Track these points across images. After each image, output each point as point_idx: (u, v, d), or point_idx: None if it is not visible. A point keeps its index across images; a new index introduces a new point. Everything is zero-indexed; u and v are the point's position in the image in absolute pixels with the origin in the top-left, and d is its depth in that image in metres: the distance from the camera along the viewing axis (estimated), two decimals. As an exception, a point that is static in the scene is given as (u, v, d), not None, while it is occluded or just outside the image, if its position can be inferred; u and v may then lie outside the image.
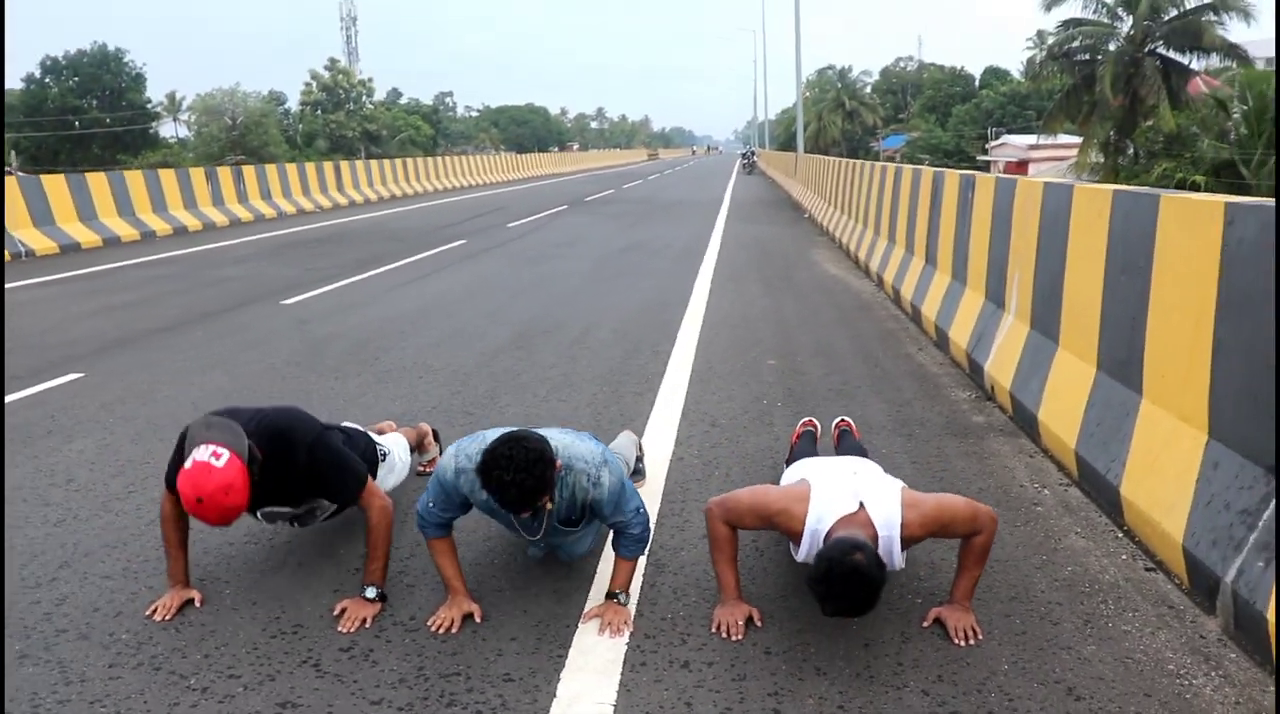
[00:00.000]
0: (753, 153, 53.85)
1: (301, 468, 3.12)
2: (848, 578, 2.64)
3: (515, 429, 2.91)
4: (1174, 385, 3.61)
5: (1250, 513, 2.97)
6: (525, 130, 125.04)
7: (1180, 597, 3.18)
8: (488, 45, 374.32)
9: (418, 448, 4.29)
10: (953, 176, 7.62)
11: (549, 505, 2.92)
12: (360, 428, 3.87)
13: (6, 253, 13.09)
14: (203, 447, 2.87)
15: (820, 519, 2.92)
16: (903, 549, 2.95)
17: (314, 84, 72.80)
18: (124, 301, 9.69)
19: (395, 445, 3.94)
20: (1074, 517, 3.86)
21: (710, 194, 29.21)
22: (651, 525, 3.22)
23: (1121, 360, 4.05)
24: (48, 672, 2.86)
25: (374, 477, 3.52)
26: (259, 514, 3.28)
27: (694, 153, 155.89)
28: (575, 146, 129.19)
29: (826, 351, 6.90)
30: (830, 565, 2.67)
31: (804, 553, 3.01)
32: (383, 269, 11.86)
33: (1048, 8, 35.16)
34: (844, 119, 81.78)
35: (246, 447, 2.92)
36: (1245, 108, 27.86)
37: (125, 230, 15.84)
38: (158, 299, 9.85)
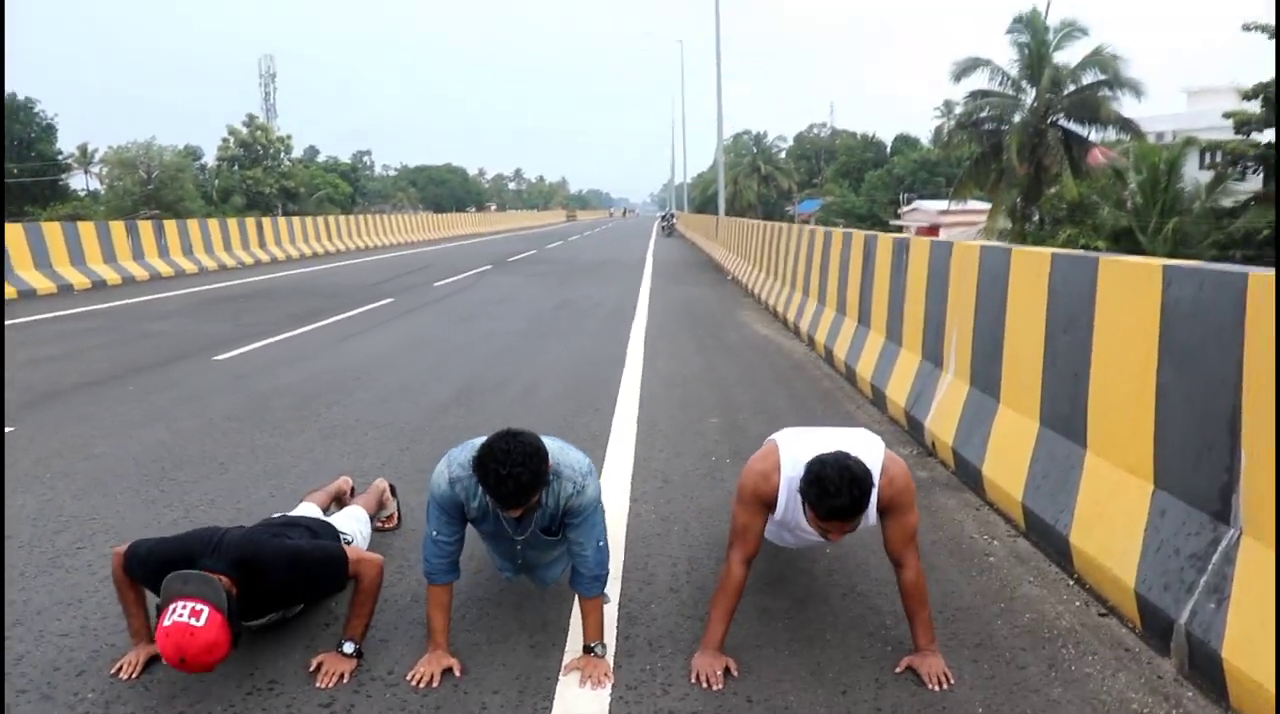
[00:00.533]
0: (671, 215, 54.56)
1: (279, 585, 3.09)
2: (841, 473, 2.80)
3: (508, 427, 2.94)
4: (1119, 437, 3.79)
5: (1199, 557, 3.13)
6: (443, 190, 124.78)
7: (1135, 640, 3.31)
8: (406, 107, 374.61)
9: (378, 508, 4.25)
10: (885, 240, 7.88)
11: (539, 505, 2.97)
12: (319, 517, 3.79)
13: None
14: (181, 603, 2.77)
15: (795, 465, 3.05)
16: (876, 502, 3.05)
17: (231, 139, 71.70)
18: (48, 355, 9.39)
19: (356, 523, 3.87)
20: (1025, 566, 4.00)
21: (633, 255, 29.51)
22: (610, 567, 3.25)
23: (1065, 415, 4.24)
24: (12, 735, 2.75)
25: None
26: (249, 626, 3.21)
27: (611, 214, 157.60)
28: (493, 207, 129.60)
29: (766, 410, 7.02)
30: (823, 465, 2.84)
31: (781, 508, 3.14)
32: (316, 325, 11.71)
33: (957, 78, 36.74)
34: (759, 183, 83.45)
35: (224, 597, 2.83)
36: (1140, 177, 29.40)
37: (41, 283, 15.36)
38: (83, 353, 9.57)
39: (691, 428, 6.43)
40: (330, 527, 3.65)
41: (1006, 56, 37.49)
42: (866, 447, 3.11)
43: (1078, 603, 3.63)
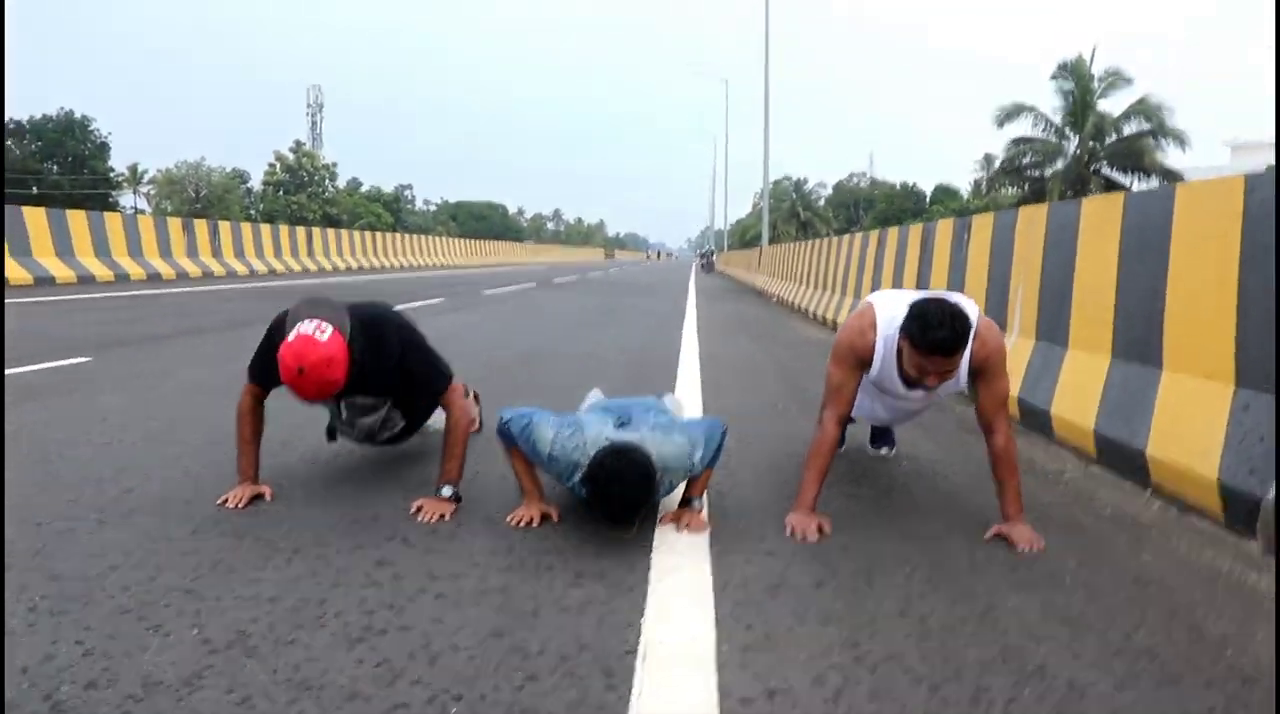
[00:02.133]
0: (712, 252, 54.86)
1: (394, 358, 3.20)
2: (943, 308, 2.96)
3: (618, 440, 3.00)
4: (1196, 349, 3.83)
5: (1288, 439, 3.17)
6: (483, 225, 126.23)
7: (1219, 530, 3.34)
8: (448, 143, 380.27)
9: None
10: (945, 223, 7.97)
11: None
12: None
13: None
14: (308, 321, 2.94)
15: (890, 323, 3.16)
16: (967, 362, 3.13)
17: (278, 165, 73.27)
18: (117, 318, 9.65)
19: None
20: (1100, 482, 4.03)
21: (676, 279, 29.82)
22: (720, 456, 3.30)
23: (1139, 339, 4.28)
24: (130, 535, 2.87)
25: None
26: (343, 403, 3.34)
27: (648, 256, 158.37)
28: (532, 243, 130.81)
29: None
30: (926, 301, 3.01)
31: (876, 364, 3.24)
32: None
33: (1000, 123, 36.93)
34: (798, 229, 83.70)
35: (349, 326, 3.00)
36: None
37: (100, 271, 15.73)
38: (151, 318, 9.82)
39: (754, 386, 6.51)
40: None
41: (1050, 103, 37.67)
42: (963, 302, 3.18)
43: (1157, 505, 3.65)
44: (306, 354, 2.86)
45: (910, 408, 3.68)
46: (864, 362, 3.27)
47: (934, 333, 2.90)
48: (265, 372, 3.19)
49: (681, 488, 3.26)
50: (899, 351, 3.18)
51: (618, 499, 2.85)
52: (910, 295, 3.27)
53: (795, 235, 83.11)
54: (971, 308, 3.20)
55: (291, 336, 2.91)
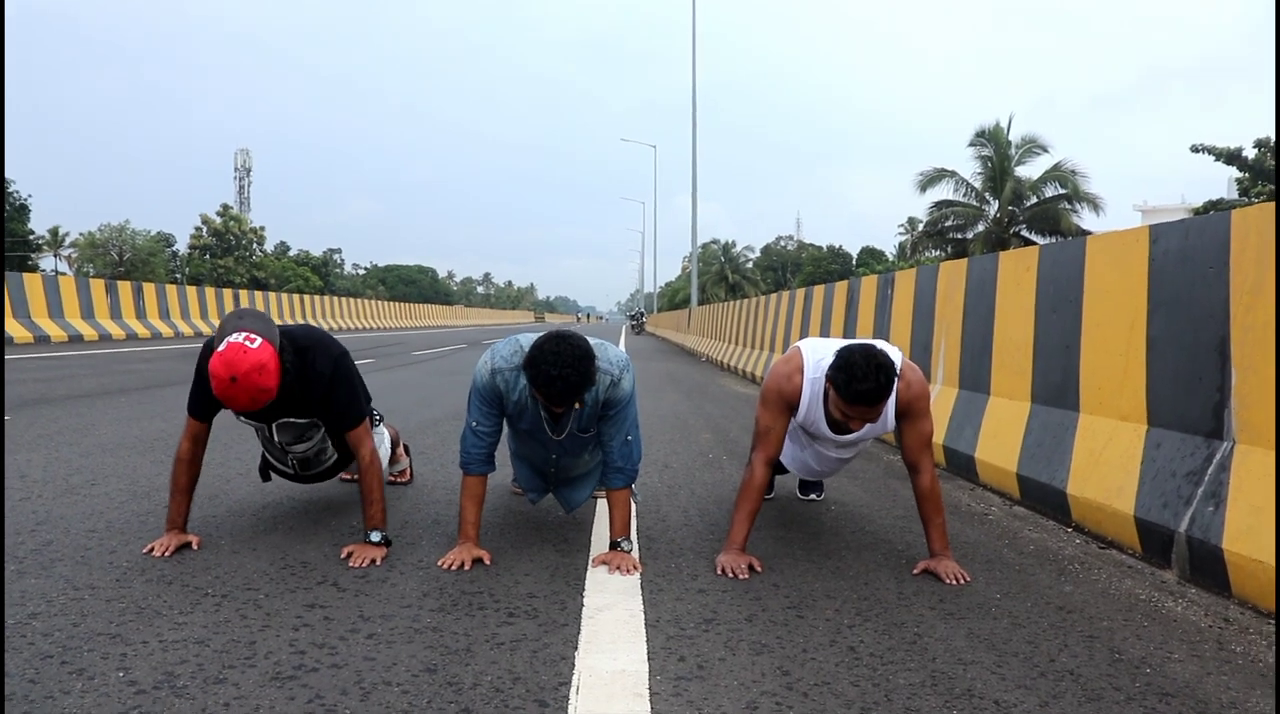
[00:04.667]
0: (642, 313, 55.15)
1: (324, 378, 3.19)
2: (868, 359, 2.96)
3: (557, 328, 3.06)
4: (1110, 392, 3.98)
5: (1195, 472, 3.30)
6: (412, 289, 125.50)
7: (1137, 561, 3.45)
8: (376, 211, 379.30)
9: (394, 447, 4.33)
10: (869, 279, 8.17)
11: (581, 404, 3.06)
12: None
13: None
14: (237, 332, 2.93)
15: (818, 367, 3.23)
16: (895, 410, 3.21)
17: (205, 228, 72.29)
18: (36, 378, 9.38)
19: (385, 431, 4.00)
20: (1024, 522, 4.13)
21: (608, 340, 29.74)
22: (639, 467, 3.38)
23: (1057, 386, 4.43)
24: (51, 583, 2.79)
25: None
26: (275, 426, 3.31)
27: (578, 319, 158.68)
28: (462, 306, 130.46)
29: (757, 431, 7.15)
30: (851, 352, 3.00)
31: (803, 408, 3.29)
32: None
33: (923, 188, 38.11)
34: (726, 292, 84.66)
35: (279, 339, 3.00)
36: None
37: (19, 332, 15.31)
38: (73, 379, 9.56)
39: (684, 437, 6.56)
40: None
41: (970, 169, 38.97)
42: (887, 349, 3.27)
43: (1079, 540, 3.76)
44: (237, 362, 2.83)
45: (840, 456, 3.74)
46: (791, 405, 3.34)
47: (859, 384, 2.97)
48: (202, 401, 3.16)
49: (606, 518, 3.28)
50: (825, 395, 3.26)
51: (558, 380, 2.85)
52: (836, 342, 3.35)
53: (724, 297, 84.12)
54: (895, 353, 3.29)
55: (221, 346, 2.89)
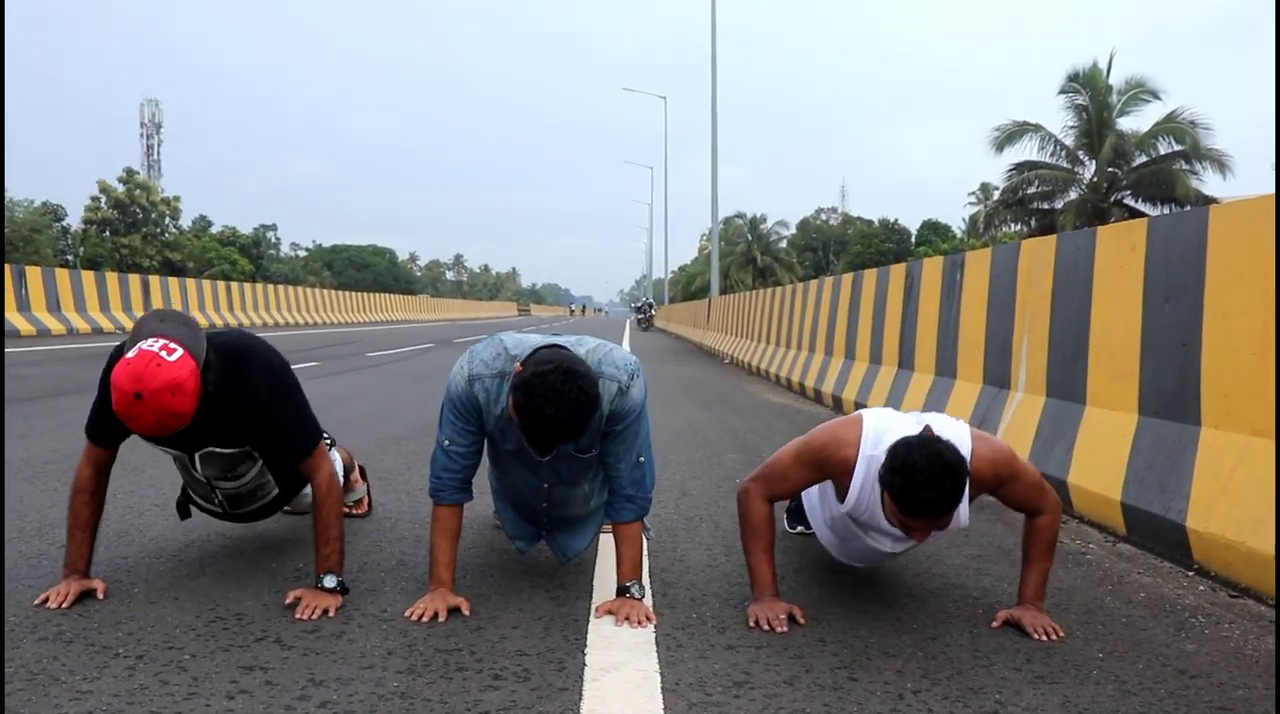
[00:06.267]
0: (649, 306, 55.18)
1: (257, 401, 3.20)
2: (931, 460, 2.81)
3: (557, 346, 3.10)
4: (1242, 401, 3.99)
5: (1349, 502, 3.30)
6: (365, 275, 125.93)
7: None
8: (320, 175, 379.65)
9: (349, 473, 4.36)
10: (932, 261, 8.19)
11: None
12: None
13: None
14: (153, 339, 2.91)
15: (878, 442, 3.12)
16: (970, 498, 3.14)
17: (104, 198, 72.39)
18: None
19: (338, 455, 4.02)
20: (1130, 563, 4.14)
21: (609, 336, 29.80)
22: (651, 494, 3.40)
23: (1172, 393, 4.44)
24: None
25: None
26: (197, 457, 3.31)
27: (571, 312, 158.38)
28: (428, 296, 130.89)
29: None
30: (909, 449, 2.86)
31: (854, 495, 3.21)
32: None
33: (999, 147, 37.99)
34: (755, 277, 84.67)
35: (204, 351, 2.99)
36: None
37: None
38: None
39: (707, 458, 6.60)
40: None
41: (1059, 122, 38.84)
42: (955, 431, 3.18)
43: (1202, 587, 3.77)
44: (146, 376, 2.80)
45: (898, 551, 3.57)
46: (828, 475, 3.32)
47: (920, 491, 2.85)
48: (106, 422, 3.16)
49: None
50: (882, 498, 3.14)
51: (549, 420, 2.86)
52: (908, 419, 3.27)
53: (751, 284, 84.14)
54: (962, 432, 3.19)
55: (132, 353, 2.87)
